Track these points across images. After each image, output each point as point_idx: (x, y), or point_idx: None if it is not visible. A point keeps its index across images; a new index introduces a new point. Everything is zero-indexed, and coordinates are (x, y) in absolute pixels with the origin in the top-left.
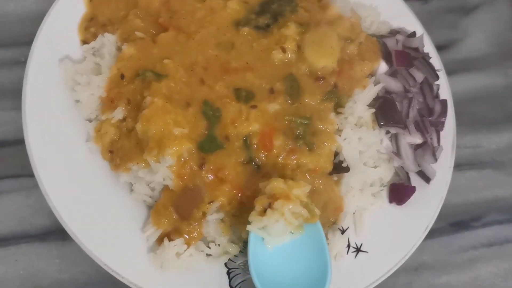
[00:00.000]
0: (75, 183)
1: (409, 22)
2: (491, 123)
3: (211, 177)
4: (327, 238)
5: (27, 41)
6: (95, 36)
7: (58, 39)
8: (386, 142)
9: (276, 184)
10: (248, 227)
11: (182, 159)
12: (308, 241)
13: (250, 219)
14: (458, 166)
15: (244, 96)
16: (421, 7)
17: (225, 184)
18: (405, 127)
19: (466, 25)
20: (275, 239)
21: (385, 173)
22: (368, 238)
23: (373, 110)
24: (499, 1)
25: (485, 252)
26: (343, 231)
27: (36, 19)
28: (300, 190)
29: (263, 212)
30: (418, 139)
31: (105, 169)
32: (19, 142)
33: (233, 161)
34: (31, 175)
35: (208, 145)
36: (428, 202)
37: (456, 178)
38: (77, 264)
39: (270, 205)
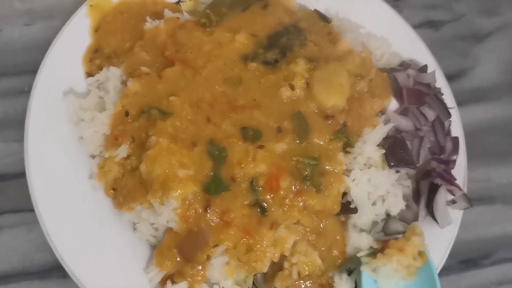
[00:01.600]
0: (76, 221)
1: (420, 52)
2: (502, 156)
3: (216, 220)
4: (333, 281)
5: (32, 70)
6: (100, 68)
7: (62, 71)
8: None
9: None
10: (362, 268)
11: (187, 202)
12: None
13: (361, 258)
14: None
15: (251, 135)
16: (432, 35)
17: (230, 228)
18: (415, 167)
19: (478, 53)
20: (386, 283)
21: (393, 207)
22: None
23: (383, 151)
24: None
25: None
26: (349, 272)
27: (41, 47)
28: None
29: (375, 255)
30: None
31: (108, 206)
32: (21, 175)
33: (238, 204)
34: (32, 209)
35: (214, 187)
36: (438, 242)
37: (466, 214)
38: None
39: (383, 249)
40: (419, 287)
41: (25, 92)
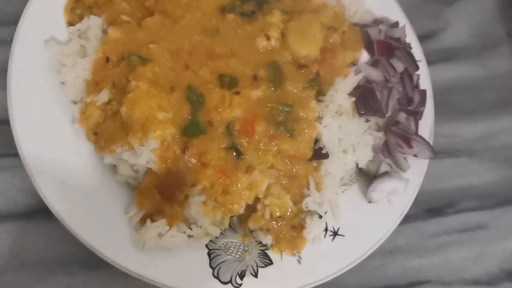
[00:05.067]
0: (59, 164)
1: (393, 11)
2: (468, 113)
3: (194, 161)
4: (305, 223)
5: (14, 21)
6: (81, 18)
7: (44, 19)
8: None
9: None
10: None
11: (166, 143)
12: None
13: None
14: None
15: (228, 82)
16: None
17: (207, 169)
18: (383, 116)
19: (449, 16)
20: None
21: (362, 158)
22: (345, 222)
23: (354, 99)
24: None
25: (457, 237)
26: (321, 216)
27: None
28: None
29: None
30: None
31: (89, 150)
32: (4, 122)
33: (215, 146)
34: (16, 154)
35: (192, 130)
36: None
37: (432, 166)
38: (61, 242)
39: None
40: None
41: (7, 42)
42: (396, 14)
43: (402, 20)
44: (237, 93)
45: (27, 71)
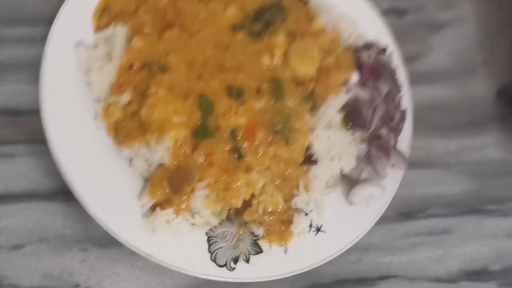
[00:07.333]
0: (82, 152)
1: (383, 36)
2: (443, 130)
3: (201, 159)
4: (293, 219)
5: (43, 20)
6: (107, 25)
7: (74, 24)
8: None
9: None
10: None
11: (178, 143)
12: None
13: None
14: (410, 164)
15: (235, 93)
16: (396, 22)
17: (212, 167)
18: (367, 131)
19: (433, 41)
20: None
21: (346, 166)
22: (328, 220)
23: (342, 114)
24: (466, 21)
25: (425, 239)
26: (307, 213)
27: (51, 0)
28: None
29: None
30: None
31: (109, 143)
32: (32, 112)
33: (220, 148)
34: (41, 142)
35: (201, 133)
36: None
37: (408, 175)
38: (79, 222)
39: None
40: None
41: (37, 40)
42: (386, 38)
43: (390, 44)
44: (242, 103)
45: (57, 69)
